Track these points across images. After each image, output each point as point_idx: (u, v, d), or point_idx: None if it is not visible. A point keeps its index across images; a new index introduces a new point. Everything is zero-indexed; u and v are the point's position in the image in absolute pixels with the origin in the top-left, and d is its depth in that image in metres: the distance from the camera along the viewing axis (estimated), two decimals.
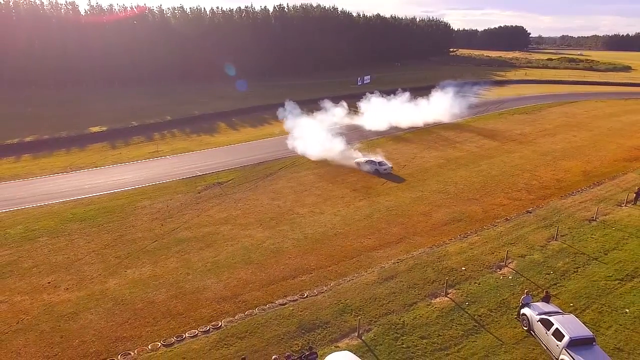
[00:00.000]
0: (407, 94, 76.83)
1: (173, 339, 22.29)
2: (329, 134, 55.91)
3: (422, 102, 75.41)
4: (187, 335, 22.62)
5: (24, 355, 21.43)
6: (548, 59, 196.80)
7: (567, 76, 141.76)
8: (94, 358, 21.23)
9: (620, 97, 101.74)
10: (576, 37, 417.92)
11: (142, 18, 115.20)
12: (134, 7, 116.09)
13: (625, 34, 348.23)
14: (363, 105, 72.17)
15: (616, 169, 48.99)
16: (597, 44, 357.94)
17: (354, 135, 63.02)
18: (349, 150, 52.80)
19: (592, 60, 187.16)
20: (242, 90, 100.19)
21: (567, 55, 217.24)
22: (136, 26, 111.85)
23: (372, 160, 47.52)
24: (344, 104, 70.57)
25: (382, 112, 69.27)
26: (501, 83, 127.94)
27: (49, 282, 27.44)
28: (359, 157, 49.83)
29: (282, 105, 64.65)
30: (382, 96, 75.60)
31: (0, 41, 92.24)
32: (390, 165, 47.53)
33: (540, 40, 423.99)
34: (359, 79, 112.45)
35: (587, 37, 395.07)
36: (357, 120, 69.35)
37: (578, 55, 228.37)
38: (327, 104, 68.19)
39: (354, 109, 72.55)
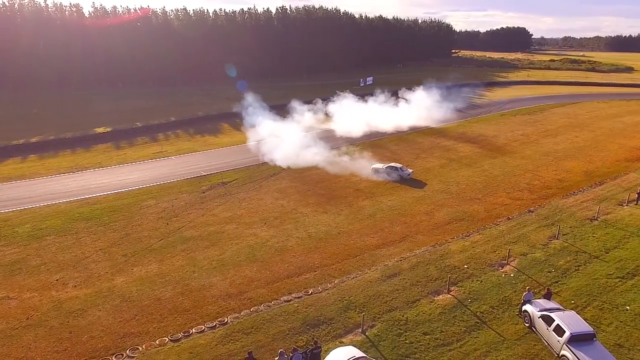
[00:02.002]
0: (407, 96, 77.27)
1: (180, 335, 22.72)
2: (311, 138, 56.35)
3: (413, 104, 75.19)
4: (193, 330, 23.04)
5: (35, 349, 21.87)
6: (550, 60, 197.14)
7: (570, 77, 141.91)
8: (102, 353, 21.64)
9: (622, 98, 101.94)
10: (578, 38, 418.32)
11: (146, 20, 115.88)
12: (137, 9, 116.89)
13: (627, 35, 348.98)
14: (348, 109, 70.31)
15: (618, 169, 49.25)
16: (600, 45, 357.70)
17: (349, 139, 63.25)
18: (347, 153, 53.33)
19: (595, 62, 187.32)
20: (243, 91, 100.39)
21: (569, 57, 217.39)
22: (139, 28, 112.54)
23: (394, 167, 46.19)
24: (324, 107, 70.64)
25: (372, 115, 68.18)
26: (498, 84, 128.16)
27: (57, 280, 27.89)
28: (377, 164, 48.23)
29: (286, 105, 65.24)
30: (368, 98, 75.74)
31: (5, 43, 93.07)
32: (412, 170, 46.58)
33: (542, 42, 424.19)
34: (361, 80, 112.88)
35: (590, 38, 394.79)
36: (343, 124, 65.83)
37: (580, 56, 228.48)
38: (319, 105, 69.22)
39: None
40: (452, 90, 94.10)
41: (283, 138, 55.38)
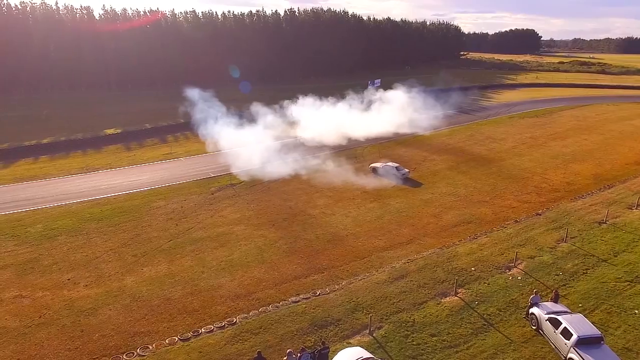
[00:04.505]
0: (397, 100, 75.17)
1: (189, 334, 23.03)
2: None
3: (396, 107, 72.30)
4: (203, 330, 23.35)
5: (47, 347, 22.27)
6: (559, 62, 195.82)
7: (579, 79, 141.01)
8: (113, 351, 21.99)
9: (632, 101, 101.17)
10: (588, 40, 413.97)
11: (155, 22, 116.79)
12: (147, 11, 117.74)
13: (638, 37, 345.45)
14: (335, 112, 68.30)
15: (627, 172, 48.98)
16: (610, 47, 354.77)
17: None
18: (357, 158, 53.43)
19: (604, 64, 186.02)
20: (246, 92, 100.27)
21: (578, 59, 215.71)
22: (149, 30, 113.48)
23: (391, 166, 47.57)
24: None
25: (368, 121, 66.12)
26: (507, 87, 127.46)
27: (68, 279, 28.32)
28: (375, 163, 49.80)
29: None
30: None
31: (17, 45, 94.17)
32: (407, 170, 47.68)
33: (551, 44, 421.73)
34: (369, 82, 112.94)
35: (600, 40, 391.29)
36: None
37: (590, 58, 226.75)
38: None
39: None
40: (440, 95, 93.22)
41: (253, 146, 53.89)
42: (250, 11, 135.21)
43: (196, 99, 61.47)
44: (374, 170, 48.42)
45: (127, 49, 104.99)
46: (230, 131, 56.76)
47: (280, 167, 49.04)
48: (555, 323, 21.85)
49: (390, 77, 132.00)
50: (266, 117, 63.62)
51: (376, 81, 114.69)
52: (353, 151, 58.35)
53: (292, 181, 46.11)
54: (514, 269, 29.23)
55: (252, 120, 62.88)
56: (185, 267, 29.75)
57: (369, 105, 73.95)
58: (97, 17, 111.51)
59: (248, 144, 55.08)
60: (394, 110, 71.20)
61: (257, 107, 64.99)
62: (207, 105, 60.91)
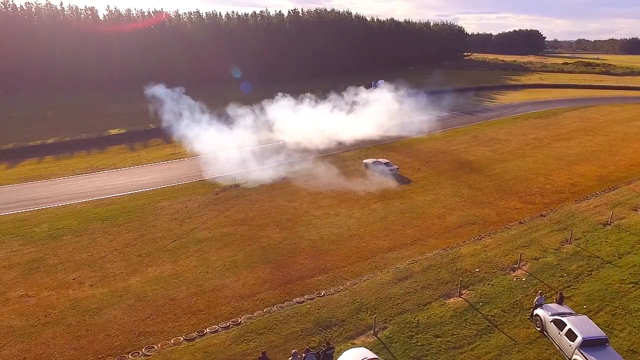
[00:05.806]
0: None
1: (194, 334, 23.11)
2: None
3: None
4: (207, 330, 23.43)
5: (53, 346, 22.39)
6: (563, 63, 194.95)
7: (583, 80, 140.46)
8: (119, 351, 22.09)
9: (637, 102, 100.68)
10: (593, 40, 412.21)
11: (159, 23, 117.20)
12: (151, 12, 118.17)
13: None
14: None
15: (632, 174, 48.80)
16: (614, 48, 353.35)
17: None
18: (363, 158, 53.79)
19: (609, 64, 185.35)
20: (247, 93, 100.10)
21: (583, 59, 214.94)
22: (153, 30, 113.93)
23: (380, 162, 49.27)
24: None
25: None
26: (511, 87, 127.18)
27: (73, 279, 28.45)
28: (367, 159, 51.97)
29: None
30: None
31: (22, 45, 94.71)
32: (397, 167, 48.83)
33: (555, 44, 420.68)
34: (372, 83, 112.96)
35: (604, 40, 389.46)
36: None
37: (594, 59, 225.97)
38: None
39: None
40: (442, 96, 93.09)
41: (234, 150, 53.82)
42: (254, 12, 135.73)
43: (183, 98, 63.58)
44: (366, 165, 50.58)
45: (131, 50, 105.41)
46: (218, 134, 57.75)
47: (283, 168, 49.27)
48: (560, 324, 21.83)
49: (393, 78, 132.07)
50: (266, 118, 63.97)
51: (379, 82, 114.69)
52: (357, 152, 58.35)
53: (296, 182, 46.16)
54: (518, 270, 29.21)
55: (249, 120, 63.20)
56: (190, 267, 29.85)
57: (369, 106, 73.92)
58: (101, 17, 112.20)
59: (247, 146, 55.82)
60: (396, 112, 71.43)
61: (255, 108, 65.62)
62: (192, 106, 62.72)
